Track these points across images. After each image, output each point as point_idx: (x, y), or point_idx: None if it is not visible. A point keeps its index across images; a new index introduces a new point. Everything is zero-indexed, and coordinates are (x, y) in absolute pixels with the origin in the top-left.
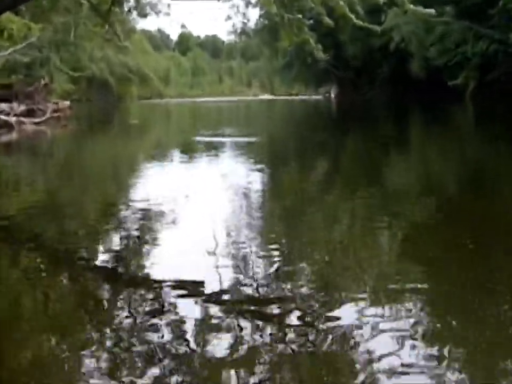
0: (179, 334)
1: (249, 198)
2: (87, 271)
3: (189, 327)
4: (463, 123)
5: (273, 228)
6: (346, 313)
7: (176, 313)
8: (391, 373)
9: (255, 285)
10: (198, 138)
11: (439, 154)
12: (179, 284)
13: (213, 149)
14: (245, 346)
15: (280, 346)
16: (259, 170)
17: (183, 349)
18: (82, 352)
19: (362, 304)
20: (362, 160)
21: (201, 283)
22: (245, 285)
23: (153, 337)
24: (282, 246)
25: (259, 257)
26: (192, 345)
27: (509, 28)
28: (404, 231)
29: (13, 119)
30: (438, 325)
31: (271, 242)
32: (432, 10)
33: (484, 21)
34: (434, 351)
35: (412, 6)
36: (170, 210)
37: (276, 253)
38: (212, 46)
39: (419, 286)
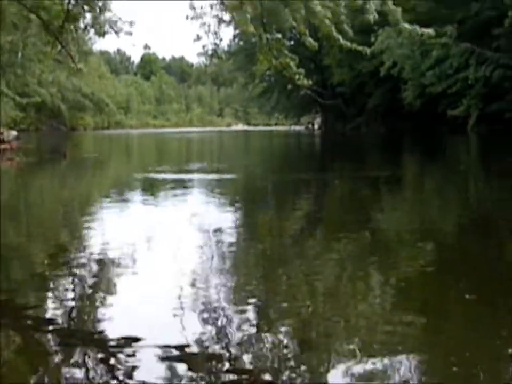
0: None
1: (220, 244)
2: (34, 327)
3: None
4: (464, 159)
5: (248, 278)
6: (333, 379)
7: (133, 376)
8: None
9: (225, 344)
10: (163, 175)
11: (437, 195)
12: (139, 342)
13: (181, 187)
14: None
15: None
16: (233, 211)
17: None
18: None
19: (352, 367)
20: (350, 202)
21: (164, 343)
22: (215, 344)
23: None
24: (259, 299)
25: (231, 313)
26: None
27: None
28: (397, 279)
29: None
30: None
31: (245, 293)
32: (430, 30)
33: (488, 42)
34: None
35: (406, 25)
36: (130, 257)
37: (251, 307)
38: (178, 69)
39: (415, 343)
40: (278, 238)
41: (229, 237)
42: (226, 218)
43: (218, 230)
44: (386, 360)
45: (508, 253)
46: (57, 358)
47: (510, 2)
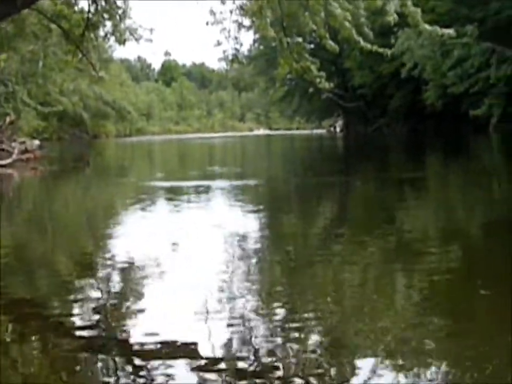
0: None
1: (245, 249)
2: (62, 337)
3: None
4: (488, 159)
5: (274, 282)
6: (360, 381)
7: (164, 381)
8: None
9: (253, 349)
10: (186, 182)
11: (462, 196)
12: (168, 350)
13: (205, 193)
14: None
15: None
16: (257, 216)
17: None
18: None
19: (378, 369)
20: (375, 204)
21: (193, 348)
22: (242, 349)
23: None
24: (285, 304)
25: (258, 316)
26: None
27: None
28: (422, 283)
29: None
30: None
31: (271, 299)
32: (451, 31)
33: (509, 41)
34: None
35: (427, 26)
36: (155, 264)
37: (278, 311)
38: (199, 75)
39: (441, 348)
40: (303, 242)
41: (254, 241)
42: (250, 223)
43: (242, 235)
44: (412, 365)
45: None
46: (84, 366)
47: None
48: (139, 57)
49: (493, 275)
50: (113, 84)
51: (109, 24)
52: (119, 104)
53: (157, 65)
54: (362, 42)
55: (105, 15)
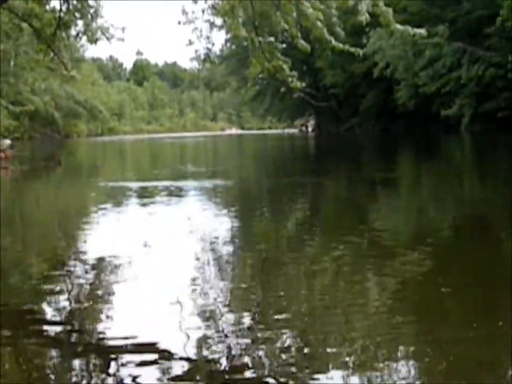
0: None
1: (218, 248)
2: (32, 335)
3: None
4: (459, 159)
5: (245, 284)
6: (331, 381)
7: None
8: None
9: (225, 350)
10: (158, 183)
11: (432, 195)
12: (138, 349)
13: (176, 193)
14: None
15: None
16: (228, 217)
17: None
18: None
19: (347, 371)
20: (346, 204)
21: (163, 348)
22: (215, 350)
23: None
24: (256, 305)
25: (230, 317)
26: None
27: (508, 49)
28: (394, 284)
29: None
30: None
31: (243, 299)
32: (423, 31)
33: (480, 41)
34: None
35: (398, 26)
36: (127, 264)
37: (249, 312)
38: (171, 74)
39: (412, 347)
40: (275, 243)
41: (225, 243)
42: (221, 225)
43: (214, 237)
44: (383, 365)
45: (503, 253)
46: (57, 365)
47: (501, 1)
48: (111, 57)
49: (461, 274)
50: (84, 83)
51: (80, 23)
52: (90, 104)
53: (128, 65)
54: (334, 42)
55: (77, 14)
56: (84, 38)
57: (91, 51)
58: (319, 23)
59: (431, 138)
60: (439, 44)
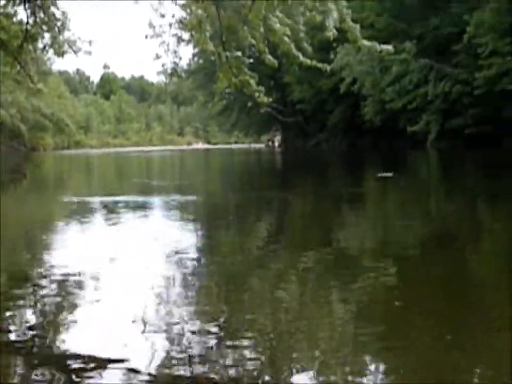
0: None
1: (182, 264)
2: None
3: None
4: (425, 174)
5: (210, 296)
6: None
7: None
8: None
9: (190, 366)
10: (122, 197)
11: (397, 210)
12: (102, 364)
13: (141, 208)
14: None
15: None
16: (194, 232)
17: None
18: None
19: (313, 381)
20: (311, 220)
21: (128, 363)
22: (178, 363)
23: None
24: (222, 319)
25: (194, 333)
26: None
27: (475, 66)
28: (359, 297)
29: None
30: None
31: (208, 315)
32: (390, 47)
33: (448, 58)
34: None
35: (365, 42)
36: (92, 278)
37: (214, 326)
38: (138, 88)
39: (376, 354)
40: (240, 257)
41: (190, 258)
42: (187, 240)
43: (179, 252)
44: (347, 376)
45: (466, 266)
46: (19, 379)
47: (469, 18)
48: (78, 70)
49: (426, 286)
50: (51, 96)
51: (47, 36)
52: (57, 117)
53: (95, 78)
54: (301, 57)
55: (44, 27)
56: (51, 51)
57: (58, 64)
58: (286, 39)
59: (397, 154)
60: (406, 60)
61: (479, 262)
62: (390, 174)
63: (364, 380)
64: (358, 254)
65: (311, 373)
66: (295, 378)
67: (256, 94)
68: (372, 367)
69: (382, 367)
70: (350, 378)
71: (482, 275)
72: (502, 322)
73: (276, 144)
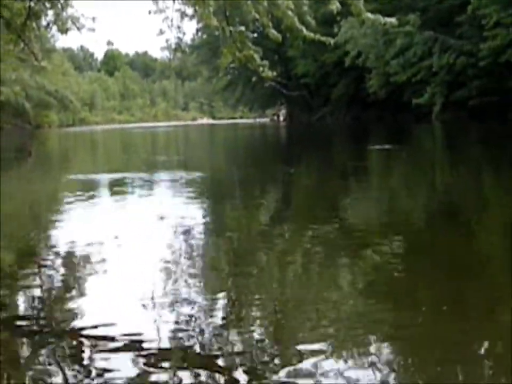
0: None
1: (189, 240)
2: (4, 327)
3: None
4: (430, 147)
5: (217, 272)
6: (303, 367)
7: (109, 372)
8: None
9: (198, 338)
10: (130, 174)
11: (404, 184)
12: (111, 340)
13: (148, 185)
14: None
15: None
16: (200, 208)
17: None
18: None
19: (320, 357)
20: (318, 194)
21: (136, 338)
22: (187, 339)
23: None
24: (229, 292)
25: (202, 305)
26: None
27: (479, 37)
28: (368, 272)
29: None
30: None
31: (215, 289)
32: (394, 20)
33: (451, 30)
34: None
35: (369, 15)
36: (99, 254)
37: (222, 302)
38: (142, 64)
39: (383, 333)
40: (246, 233)
41: (196, 232)
42: (193, 215)
43: (185, 227)
44: (356, 355)
45: (472, 241)
46: (28, 356)
47: None
48: (82, 47)
49: (432, 261)
50: (55, 74)
51: (50, 13)
52: (61, 94)
53: (99, 55)
54: (305, 31)
55: (47, 4)
56: (54, 28)
57: (62, 41)
58: (290, 12)
59: (402, 127)
60: (410, 32)
61: (484, 233)
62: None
63: (371, 358)
64: (363, 228)
65: (318, 351)
66: (302, 354)
67: (260, 69)
68: (379, 344)
69: (388, 343)
70: (357, 356)
71: (488, 247)
72: (509, 293)
73: (281, 118)
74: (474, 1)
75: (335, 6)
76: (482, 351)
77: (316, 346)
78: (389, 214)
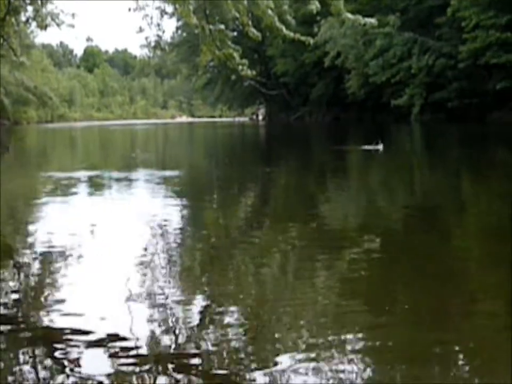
0: None
1: (167, 236)
2: None
3: None
4: (408, 146)
5: (195, 271)
6: (278, 367)
7: (84, 368)
8: None
9: (174, 336)
10: (108, 172)
11: (381, 184)
12: (87, 336)
13: (126, 183)
14: None
15: None
16: (179, 206)
17: None
18: None
19: (297, 356)
20: (296, 193)
21: (112, 335)
22: (163, 336)
23: None
24: (206, 292)
25: (178, 304)
26: None
27: (459, 39)
28: (343, 272)
29: None
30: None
31: (192, 287)
32: (373, 20)
33: (431, 31)
34: None
35: (349, 15)
36: (76, 251)
37: (199, 299)
38: (122, 62)
39: (358, 327)
40: (224, 231)
41: (174, 231)
42: (171, 213)
43: (163, 225)
44: (332, 349)
45: (448, 240)
46: (3, 355)
47: None
48: (61, 43)
49: (409, 260)
50: (34, 70)
51: (30, 8)
52: (40, 90)
53: (79, 51)
54: (285, 30)
55: (27, 0)
56: (34, 24)
57: (41, 37)
58: (270, 11)
59: (381, 127)
60: (390, 33)
61: (462, 234)
62: (378, 147)
63: (348, 357)
64: (341, 228)
65: (294, 351)
66: (278, 352)
67: (240, 67)
68: (355, 345)
69: (364, 344)
70: (335, 355)
71: (464, 247)
72: (483, 294)
73: (260, 117)
74: (454, 3)
75: (314, 6)
76: (458, 350)
77: (291, 346)
78: (366, 214)
